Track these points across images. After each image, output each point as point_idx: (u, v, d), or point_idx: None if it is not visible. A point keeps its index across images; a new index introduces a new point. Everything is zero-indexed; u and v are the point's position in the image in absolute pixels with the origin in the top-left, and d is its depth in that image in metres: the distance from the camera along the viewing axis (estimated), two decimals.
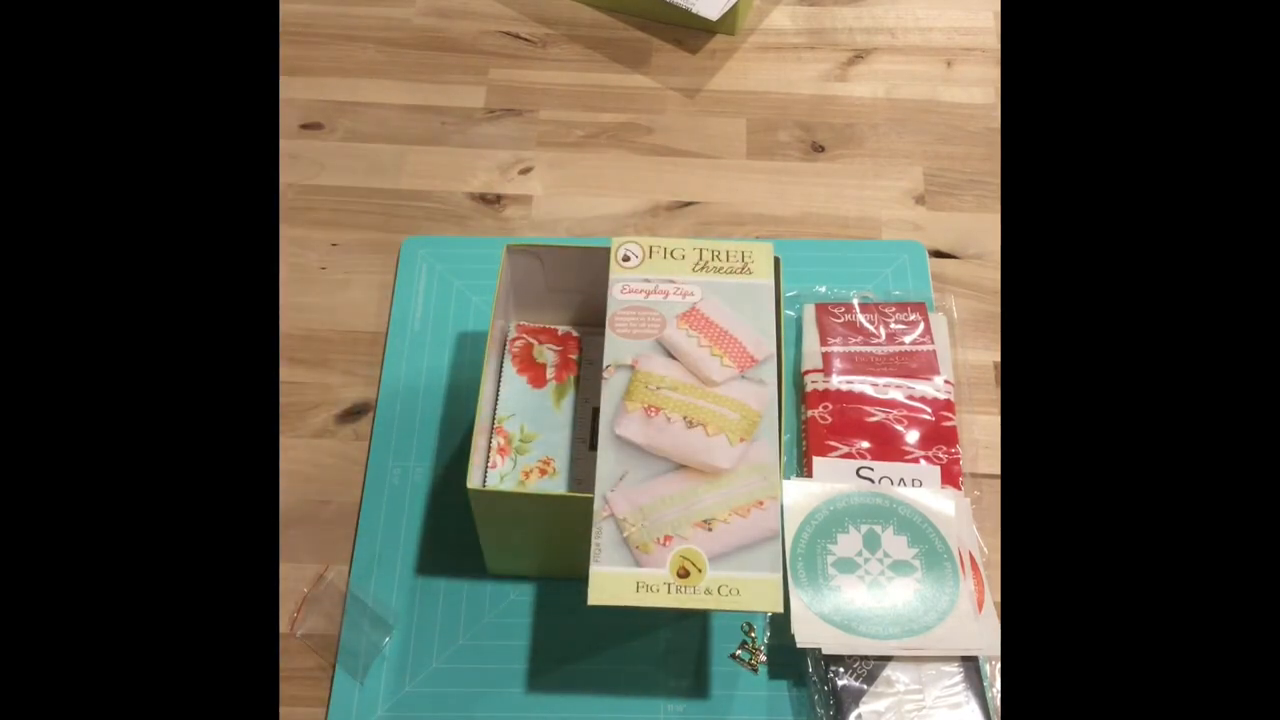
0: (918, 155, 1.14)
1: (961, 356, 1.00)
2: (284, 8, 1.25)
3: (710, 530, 0.74)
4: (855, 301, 1.01)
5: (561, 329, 0.96)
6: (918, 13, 1.26)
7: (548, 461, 0.88)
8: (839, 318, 0.99)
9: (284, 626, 0.86)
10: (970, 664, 0.82)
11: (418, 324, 1.02)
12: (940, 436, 0.93)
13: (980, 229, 1.09)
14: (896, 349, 0.97)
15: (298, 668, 0.85)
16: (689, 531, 0.74)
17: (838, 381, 0.95)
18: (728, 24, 1.23)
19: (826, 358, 0.97)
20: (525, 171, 1.13)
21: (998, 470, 0.94)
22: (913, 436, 0.92)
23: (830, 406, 0.94)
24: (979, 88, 1.20)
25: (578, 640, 0.85)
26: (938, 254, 1.07)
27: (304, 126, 1.16)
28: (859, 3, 1.27)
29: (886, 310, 1.00)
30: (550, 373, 0.93)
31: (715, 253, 0.85)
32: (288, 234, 1.08)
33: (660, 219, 1.09)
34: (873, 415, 0.94)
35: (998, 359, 1.00)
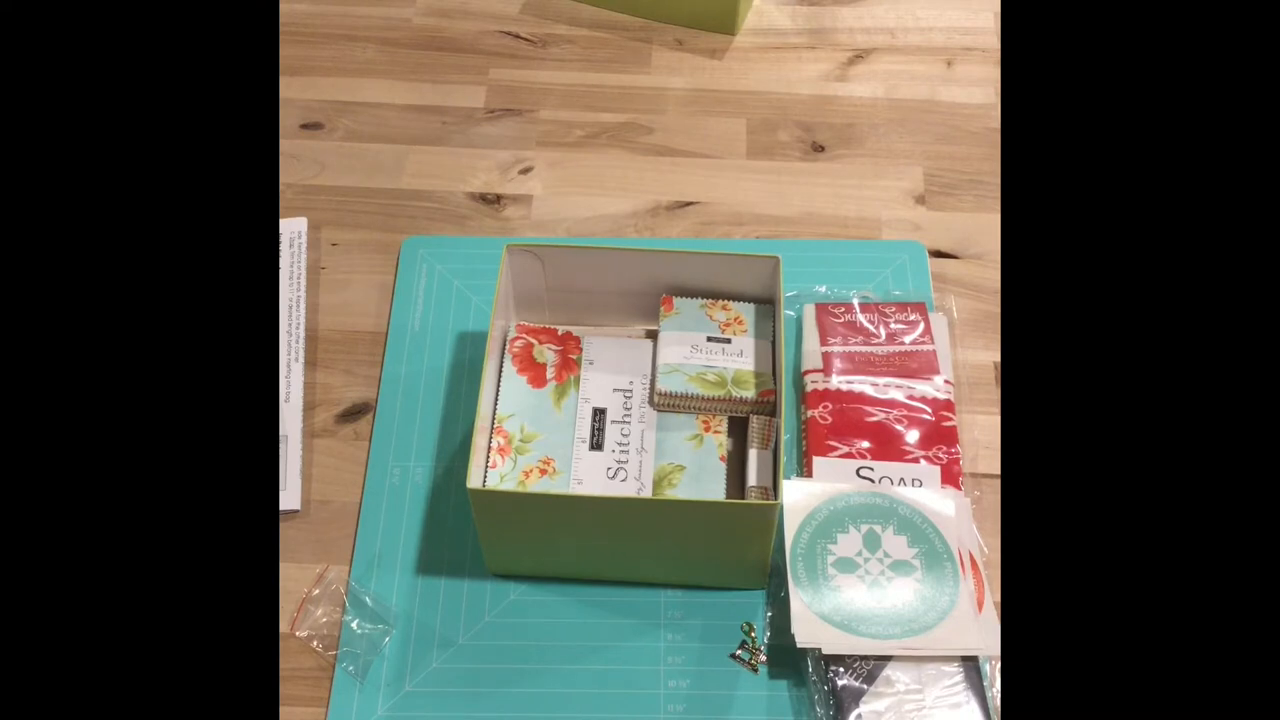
0: (918, 155, 1.14)
1: (961, 356, 1.00)
2: (284, 8, 1.25)
3: None
4: (855, 301, 1.01)
5: (561, 329, 0.96)
6: (918, 13, 1.26)
7: (548, 461, 0.88)
8: (839, 318, 0.99)
9: (284, 626, 0.86)
10: (970, 664, 0.82)
11: (418, 324, 1.02)
12: (940, 436, 0.93)
13: (980, 229, 1.09)
14: (896, 349, 0.97)
15: (298, 668, 0.85)
16: None
17: (838, 381, 0.95)
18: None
19: (826, 358, 0.97)
20: (525, 171, 1.13)
21: (998, 470, 0.93)
22: (913, 436, 0.92)
23: (830, 406, 0.94)
24: (979, 88, 1.20)
25: (578, 640, 0.85)
26: (938, 254, 1.07)
27: (304, 126, 1.16)
28: (859, 3, 1.27)
29: (886, 310, 1.00)
30: (550, 373, 0.93)
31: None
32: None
33: (660, 219, 1.09)
34: (873, 415, 0.94)
35: (998, 359, 1.00)
